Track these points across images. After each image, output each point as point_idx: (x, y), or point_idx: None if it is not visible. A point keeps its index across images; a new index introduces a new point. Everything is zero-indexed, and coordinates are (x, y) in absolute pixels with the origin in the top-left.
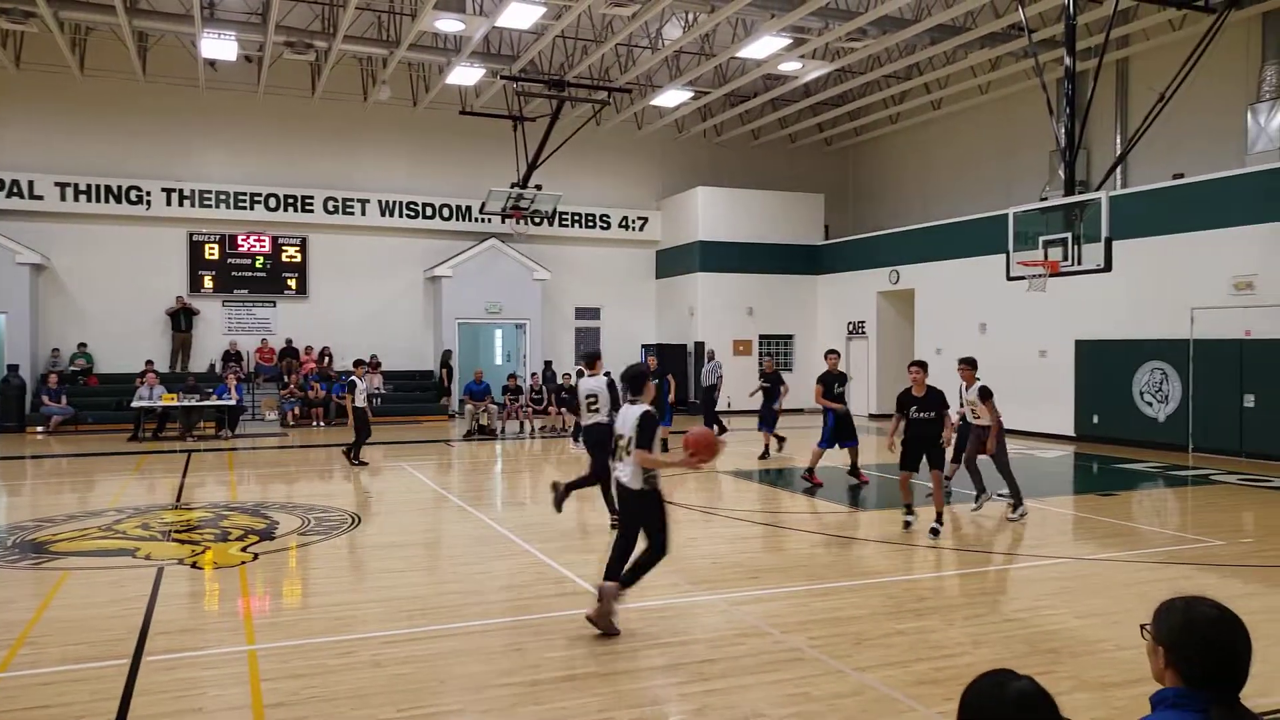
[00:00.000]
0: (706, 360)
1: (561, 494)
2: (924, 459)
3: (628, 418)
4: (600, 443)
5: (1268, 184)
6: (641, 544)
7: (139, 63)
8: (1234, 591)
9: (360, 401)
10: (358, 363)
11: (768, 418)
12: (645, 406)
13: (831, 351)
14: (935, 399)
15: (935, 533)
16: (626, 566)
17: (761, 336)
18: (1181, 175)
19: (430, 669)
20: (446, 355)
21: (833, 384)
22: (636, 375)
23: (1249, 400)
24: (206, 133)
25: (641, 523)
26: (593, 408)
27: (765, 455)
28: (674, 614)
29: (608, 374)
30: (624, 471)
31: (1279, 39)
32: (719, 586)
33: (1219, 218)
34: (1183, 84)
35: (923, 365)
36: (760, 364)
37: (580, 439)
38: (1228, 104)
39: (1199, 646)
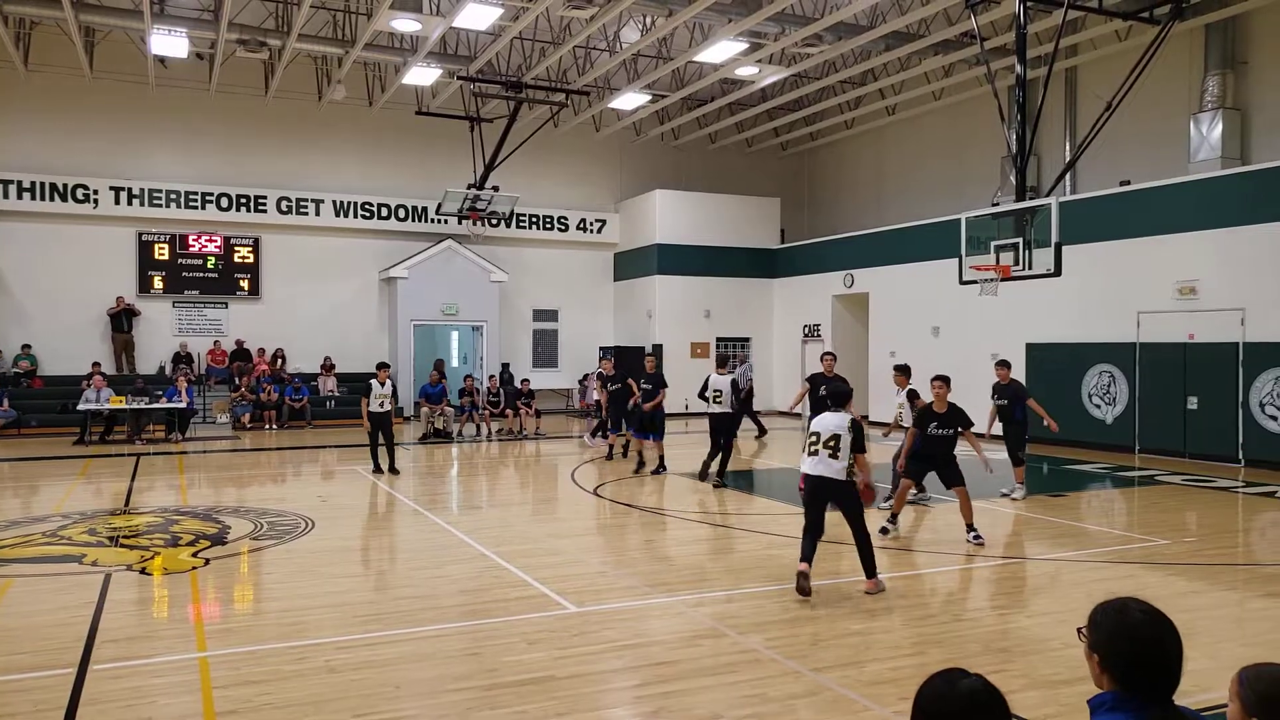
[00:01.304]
0: (738, 364)
1: (718, 480)
2: (929, 474)
3: (832, 422)
4: (720, 429)
5: (1210, 192)
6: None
7: (86, 59)
8: (1177, 590)
9: (374, 406)
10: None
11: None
12: (850, 414)
13: (828, 354)
14: (956, 416)
15: (979, 541)
16: (861, 561)
17: (719, 339)
18: (1128, 182)
19: (386, 674)
20: (440, 364)
21: (819, 386)
22: (843, 393)
23: (1192, 402)
24: (157, 131)
25: (842, 508)
26: (717, 399)
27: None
28: (632, 616)
29: (732, 371)
30: (825, 465)
31: (1220, 51)
32: (676, 589)
33: (1164, 224)
34: (1129, 93)
35: (945, 380)
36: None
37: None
38: (1172, 113)
39: (1131, 650)
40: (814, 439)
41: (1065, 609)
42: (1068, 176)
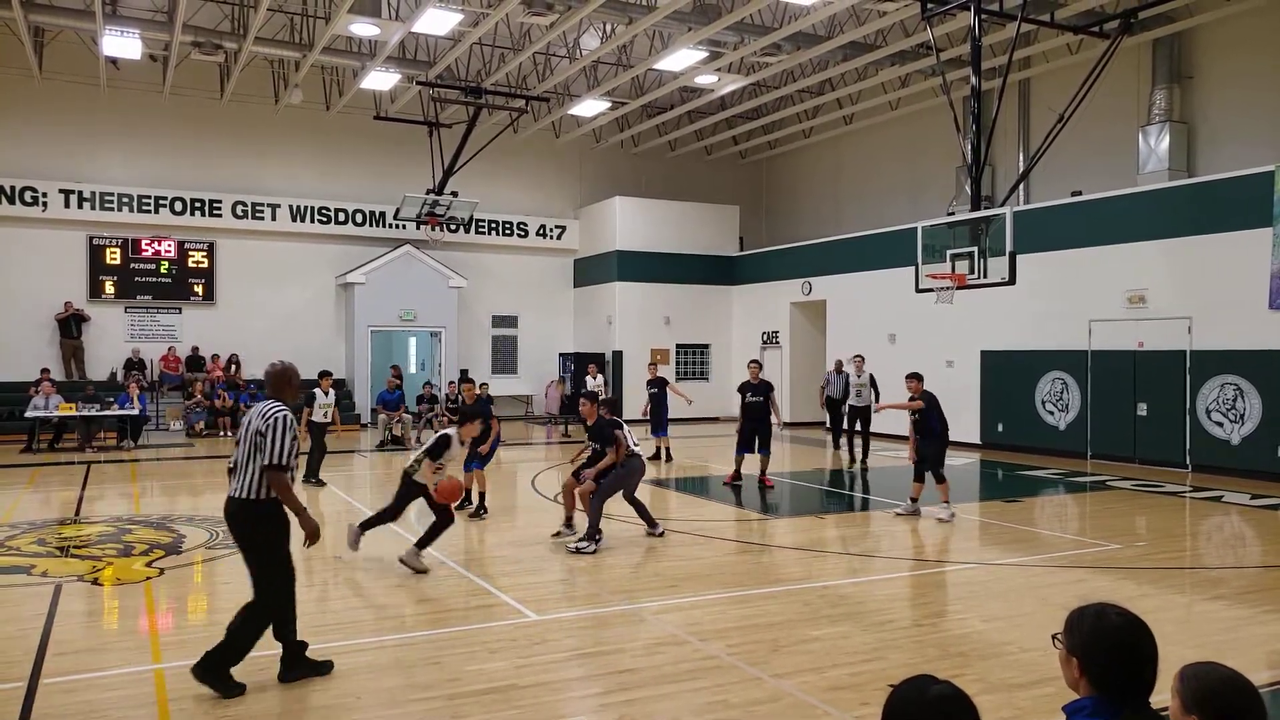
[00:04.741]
0: (835, 373)
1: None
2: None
3: None
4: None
5: (1158, 203)
6: None
7: (35, 59)
8: (1129, 593)
9: (317, 415)
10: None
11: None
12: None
13: (754, 362)
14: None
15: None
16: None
17: (678, 346)
18: (1080, 193)
19: (346, 684)
20: (396, 370)
21: (746, 394)
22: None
23: (1142, 409)
24: (108, 133)
25: None
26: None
27: (656, 456)
28: (594, 624)
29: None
30: None
31: (1167, 66)
32: (639, 596)
33: (1114, 234)
34: (1080, 106)
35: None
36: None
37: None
38: (1121, 125)
39: (1109, 654)
40: None
41: (1020, 613)
42: (1021, 186)
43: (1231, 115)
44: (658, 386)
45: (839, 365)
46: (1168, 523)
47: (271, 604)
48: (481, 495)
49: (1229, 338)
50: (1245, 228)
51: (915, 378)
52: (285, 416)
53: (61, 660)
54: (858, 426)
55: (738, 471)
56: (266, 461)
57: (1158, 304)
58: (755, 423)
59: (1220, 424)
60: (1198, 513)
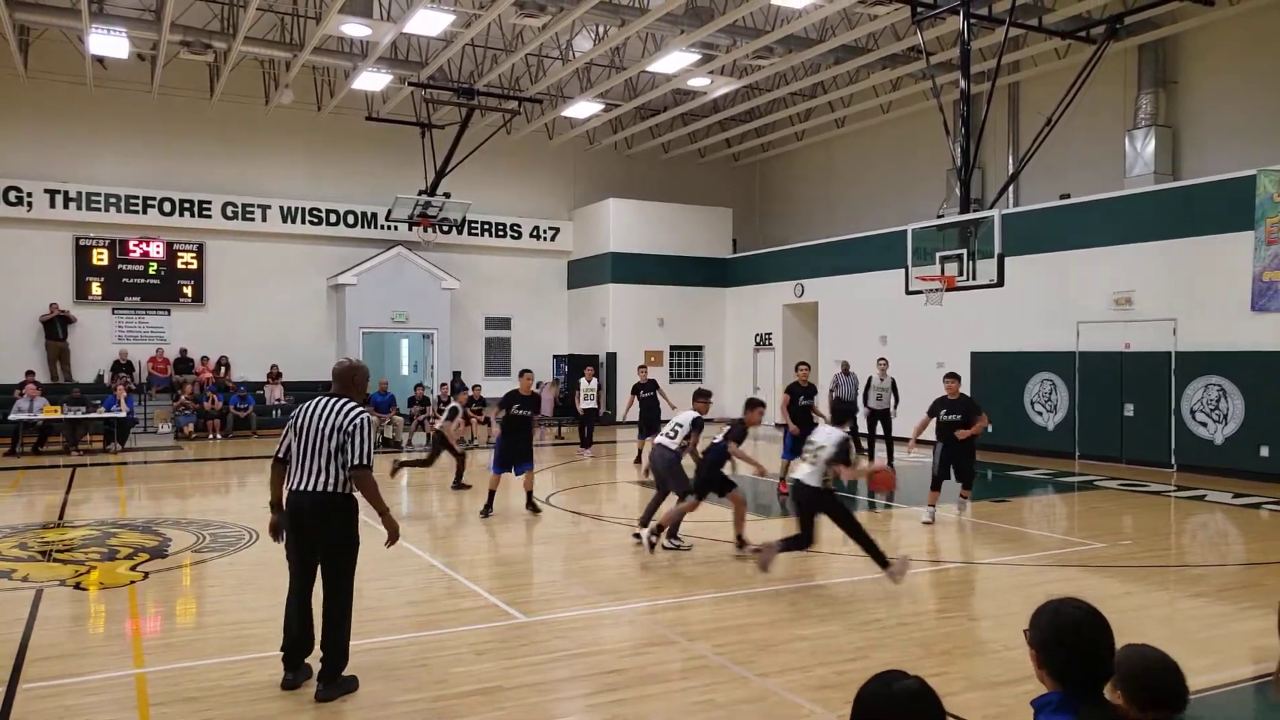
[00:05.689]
0: (844, 374)
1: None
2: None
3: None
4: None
5: (1145, 206)
6: None
7: (20, 57)
8: (1112, 591)
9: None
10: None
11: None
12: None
13: (802, 364)
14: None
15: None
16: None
17: (672, 348)
18: (1068, 195)
19: None
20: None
21: (798, 396)
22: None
23: (1129, 409)
24: (95, 132)
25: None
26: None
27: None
28: (582, 625)
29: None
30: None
31: (1153, 71)
32: (627, 597)
33: (1102, 236)
34: (1068, 109)
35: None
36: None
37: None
38: (1108, 129)
39: (1065, 647)
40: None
41: (1006, 612)
42: (1010, 189)
43: (1215, 120)
44: (650, 390)
45: (845, 366)
46: (1153, 521)
47: (350, 598)
48: (530, 494)
49: (1213, 339)
50: (1228, 231)
51: (954, 377)
52: (369, 417)
53: (41, 665)
54: (879, 430)
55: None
56: (356, 461)
57: (1144, 306)
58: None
59: (1204, 424)
60: (1182, 511)
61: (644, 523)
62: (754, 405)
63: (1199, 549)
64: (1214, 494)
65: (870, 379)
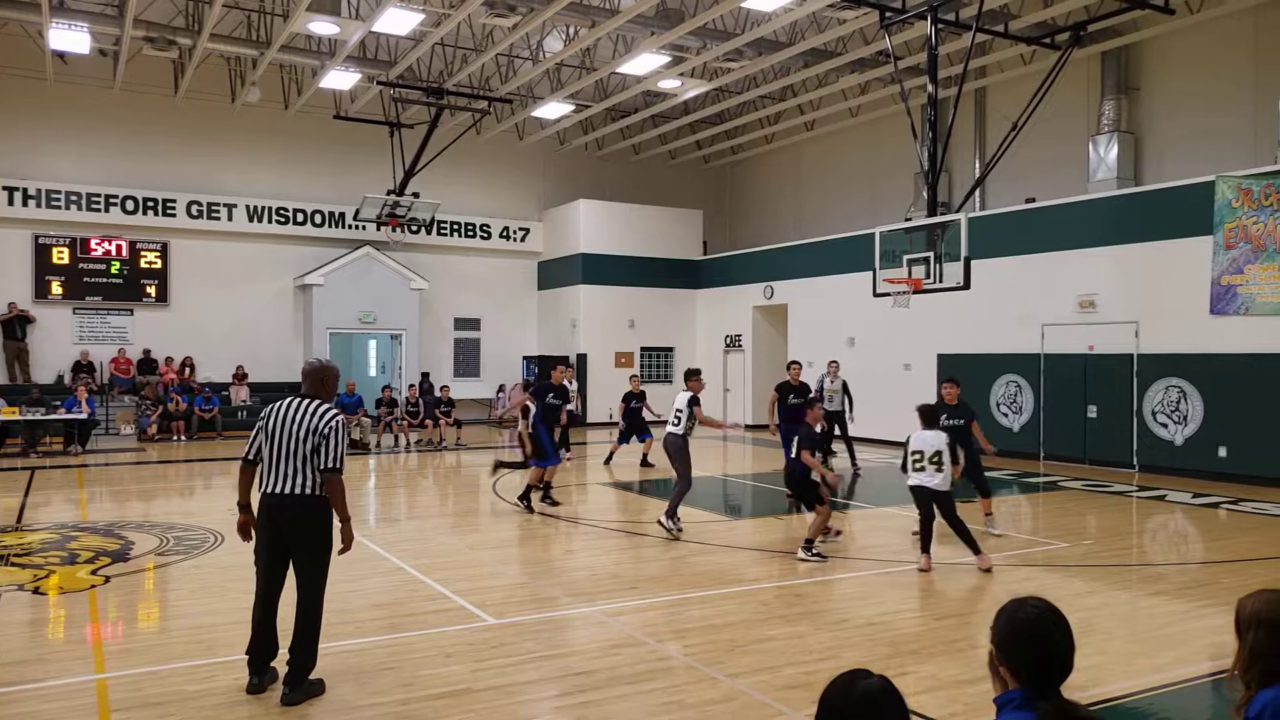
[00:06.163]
0: (831, 378)
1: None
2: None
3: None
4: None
5: (1107, 210)
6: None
7: None
8: (1075, 590)
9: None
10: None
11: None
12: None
13: (794, 362)
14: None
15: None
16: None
17: (642, 349)
18: (1033, 200)
19: None
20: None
21: (788, 395)
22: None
23: (1092, 411)
24: (56, 129)
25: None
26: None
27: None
28: (551, 627)
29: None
30: (932, 479)
31: (1115, 78)
32: (597, 598)
33: (1066, 240)
34: (1033, 115)
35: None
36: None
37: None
38: (1073, 135)
39: (1022, 646)
40: (918, 456)
41: (971, 611)
42: (977, 193)
43: (1175, 126)
44: (640, 401)
45: (834, 368)
46: (1115, 521)
47: (321, 600)
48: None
49: (1173, 342)
50: (1189, 235)
51: (953, 382)
52: (344, 420)
53: None
54: (835, 431)
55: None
56: (330, 464)
57: (1107, 309)
58: (796, 425)
59: (1165, 425)
60: (1143, 511)
61: (670, 514)
62: (692, 375)
63: (1159, 548)
64: (1174, 494)
65: (822, 381)
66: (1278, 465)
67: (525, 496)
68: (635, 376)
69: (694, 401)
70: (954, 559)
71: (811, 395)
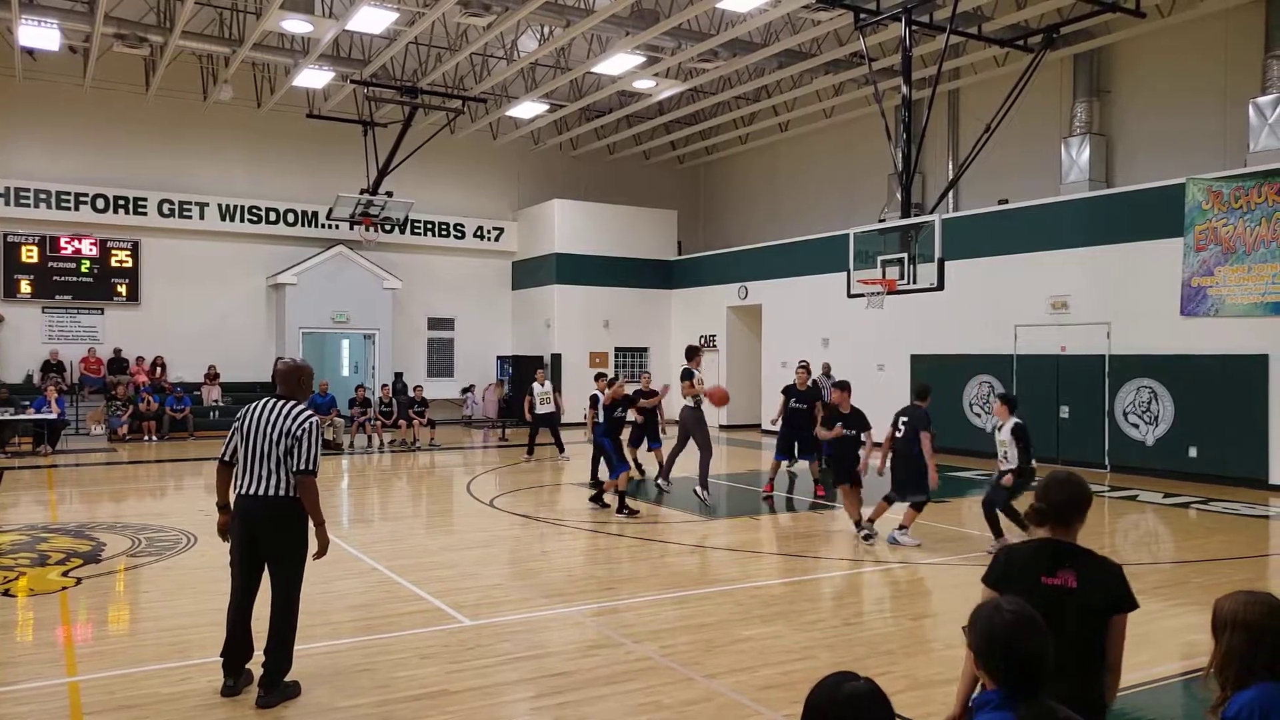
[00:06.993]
0: (825, 375)
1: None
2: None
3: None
4: None
5: (1080, 212)
6: None
7: None
8: None
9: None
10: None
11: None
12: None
13: (801, 366)
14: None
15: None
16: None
17: (617, 349)
18: (1006, 201)
19: None
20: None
21: (791, 398)
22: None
23: (1064, 411)
24: (25, 126)
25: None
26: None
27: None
28: (528, 628)
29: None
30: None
31: (1087, 80)
32: (574, 599)
33: (1038, 241)
34: (1006, 116)
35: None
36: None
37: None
38: (1045, 137)
39: (1000, 649)
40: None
41: (946, 611)
42: (950, 195)
43: (1146, 129)
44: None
45: (826, 368)
46: (1087, 521)
47: (297, 602)
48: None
49: (1144, 343)
50: (1160, 237)
51: (922, 395)
52: (318, 421)
53: None
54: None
55: (773, 482)
56: (303, 466)
57: (1079, 310)
58: (796, 430)
59: (1136, 425)
60: (1115, 511)
61: (664, 475)
62: (692, 353)
63: (1131, 548)
64: (1145, 494)
65: (794, 383)
66: (1247, 465)
67: (623, 506)
68: (646, 374)
69: (685, 375)
70: (928, 559)
71: (823, 388)
